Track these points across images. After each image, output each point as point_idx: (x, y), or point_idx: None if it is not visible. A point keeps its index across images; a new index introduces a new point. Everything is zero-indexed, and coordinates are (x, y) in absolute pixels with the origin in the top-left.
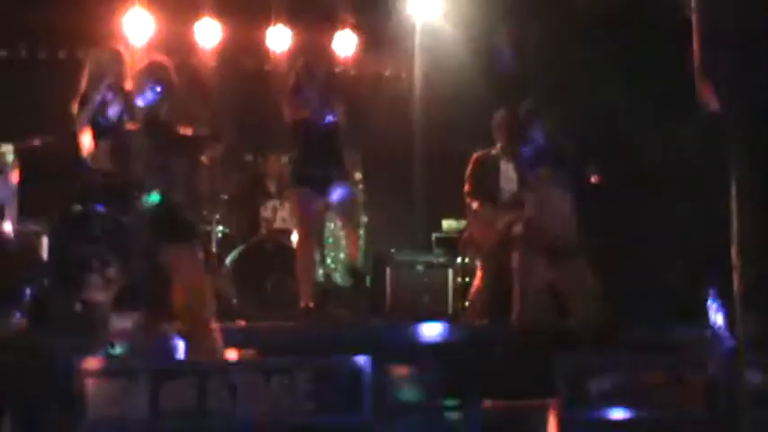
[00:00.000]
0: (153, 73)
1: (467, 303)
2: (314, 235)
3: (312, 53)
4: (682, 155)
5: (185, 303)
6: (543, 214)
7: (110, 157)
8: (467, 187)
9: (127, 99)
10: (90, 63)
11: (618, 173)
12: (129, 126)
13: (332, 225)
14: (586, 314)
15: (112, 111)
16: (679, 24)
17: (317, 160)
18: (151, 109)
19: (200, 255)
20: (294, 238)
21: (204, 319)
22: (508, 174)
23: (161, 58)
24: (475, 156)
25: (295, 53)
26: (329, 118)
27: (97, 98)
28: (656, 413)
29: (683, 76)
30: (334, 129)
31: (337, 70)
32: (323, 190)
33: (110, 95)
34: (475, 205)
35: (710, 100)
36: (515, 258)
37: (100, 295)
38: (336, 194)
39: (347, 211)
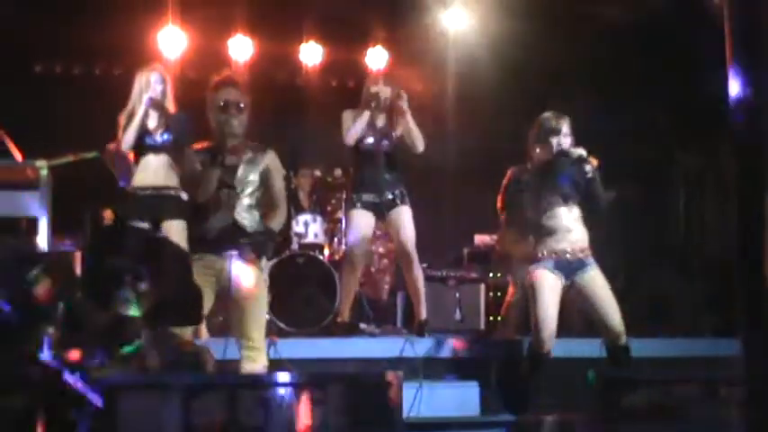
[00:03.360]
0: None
1: (499, 318)
2: (363, 254)
3: (380, 76)
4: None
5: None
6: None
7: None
8: (499, 200)
9: (170, 119)
10: (136, 82)
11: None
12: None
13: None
14: (611, 324)
15: (157, 130)
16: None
17: (377, 186)
18: None
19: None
20: (326, 252)
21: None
22: None
23: None
24: (511, 170)
25: (372, 76)
26: (388, 143)
27: (140, 114)
28: (689, 428)
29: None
30: (393, 152)
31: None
32: (381, 214)
33: (151, 111)
34: (502, 217)
35: None
36: (527, 281)
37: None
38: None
39: (402, 236)
